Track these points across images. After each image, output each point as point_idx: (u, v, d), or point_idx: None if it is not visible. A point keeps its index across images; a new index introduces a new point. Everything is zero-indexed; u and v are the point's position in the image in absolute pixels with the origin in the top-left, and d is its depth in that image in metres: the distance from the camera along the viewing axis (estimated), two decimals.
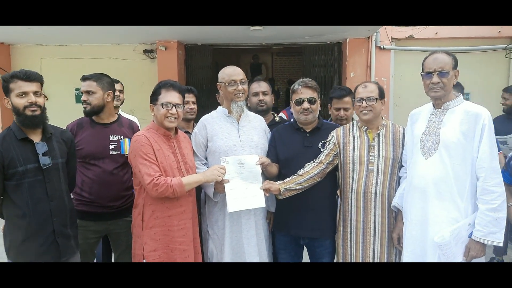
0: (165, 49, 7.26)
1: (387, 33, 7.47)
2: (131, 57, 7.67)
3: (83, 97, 3.08)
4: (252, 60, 12.63)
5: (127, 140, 3.12)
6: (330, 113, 3.66)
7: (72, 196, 2.93)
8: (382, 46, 7.50)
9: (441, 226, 2.43)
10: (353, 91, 2.96)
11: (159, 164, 2.61)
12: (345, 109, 3.48)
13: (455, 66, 2.50)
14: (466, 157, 2.40)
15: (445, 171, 2.44)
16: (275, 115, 3.66)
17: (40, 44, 7.77)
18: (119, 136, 3.13)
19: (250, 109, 3.53)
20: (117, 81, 4.18)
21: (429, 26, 7.32)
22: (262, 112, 3.48)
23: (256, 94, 3.53)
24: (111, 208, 3.07)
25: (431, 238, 2.44)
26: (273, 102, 3.63)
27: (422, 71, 2.57)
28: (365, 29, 6.80)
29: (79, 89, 3.19)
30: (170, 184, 2.53)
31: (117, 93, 4.08)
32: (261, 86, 3.55)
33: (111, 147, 3.08)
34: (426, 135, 2.55)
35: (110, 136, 3.10)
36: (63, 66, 7.62)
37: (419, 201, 2.53)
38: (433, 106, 2.61)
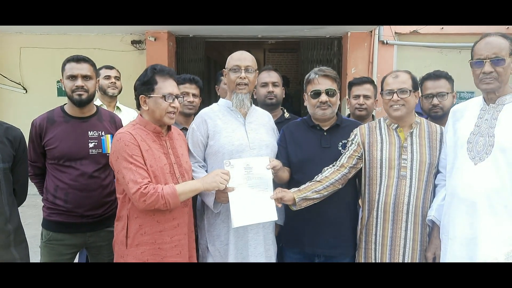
0: (155, 40, 6.88)
1: (390, 27, 7.14)
2: (118, 48, 7.31)
3: (79, 82, 2.56)
4: None
5: (109, 136, 2.64)
6: (348, 107, 3.22)
7: (42, 205, 2.42)
8: (385, 41, 7.16)
9: (495, 247, 2.00)
10: (381, 82, 2.51)
11: (147, 168, 2.14)
12: (366, 97, 3.10)
13: None
14: None
15: (500, 180, 2.00)
16: (285, 110, 3.22)
17: (19, 33, 7.32)
18: (100, 132, 2.65)
19: (257, 101, 3.07)
20: (112, 67, 3.78)
21: None
22: (270, 106, 3.05)
23: (265, 84, 3.09)
24: (91, 218, 2.59)
25: (482, 261, 2.00)
26: (284, 95, 3.18)
27: (472, 59, 2.13)
28: None
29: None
30: (161, 194, 2.06)
31: (112, 80, 3.68)
32: (271, 76, 3.11)
33: (91, 145, 2.59)
34: (476, 136, 2.11)
35: (89, 132, 2.61)
36: (44, 57, 7.21)
37: (466, 216, 2.09)
38: (484, 100, 2.16)
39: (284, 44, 9.56)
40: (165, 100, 2.20)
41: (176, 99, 2.24)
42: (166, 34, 6.89)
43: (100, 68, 3.82)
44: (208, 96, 7.28)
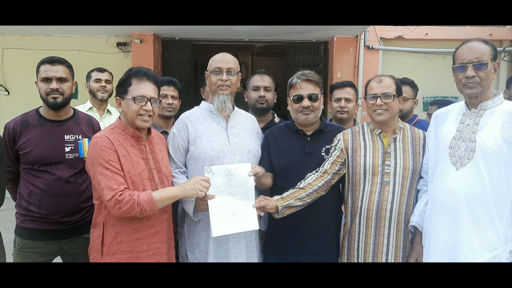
0: (140, 42, 6.78)
1: (376, 32, 7.17)
2: (103, 50, 7.19)
3: (54, 85, 2.47)
4: None
5: (86, 140, 2.55)
6: (329, 110, 3.20)
7: (16, 211, 2.33)
8: (370, 46, 7.17)
9: (476, 253, 1.98)
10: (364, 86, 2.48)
11: (125, 174, 2.07)
12: (347, 100, 3.09)
13: (494, 57, 2.05)
14: (509, 169, 1.95)
15: (481, 185, 1.98)
16: (275, 115, 3.17)
17: (1, 34, 7.18)
18: (77, 136, 2.56)
19: (247, 105, 3.04)
20: (103, 70, 3.72)
21: (419, 27, 7.04)
22: (261, 111, 3.02)
23: (257, 88, 3.05)
24: (66, 224, 2.50)
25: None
26: (275, 100, 3.14)
27: (454, 63, 2.11)
28: (354, 28, 6.51)
29: None
30: (137, 201, 1.99)
31: (102, 83, 3.63)
32: (264, 80, 3.07)
33: (67, 149, 2.50)
34: (457, 141, 2.09)
35: (65, 136, 2.52)
36: (27, 58, 6.97)
37: (448, 222, 2.07)
38: (466, 105, 2.15)
39: (272, 48, 9.54)
40: (135, 102, 2.13)
41: (149, 102, 2.16)
42: (152, 36, 6.79)
43: (92, 71, 3.73)
44: (196, 100, 7.19)
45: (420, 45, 7.25)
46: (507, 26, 6.94)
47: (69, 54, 6.84)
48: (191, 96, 7.62)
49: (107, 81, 3.69)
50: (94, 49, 7.09)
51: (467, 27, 6.90)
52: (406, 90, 3.27)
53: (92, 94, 3.67)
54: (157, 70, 6.97)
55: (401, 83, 2.93)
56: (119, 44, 7.10)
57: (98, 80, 3.66)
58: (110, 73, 3.78)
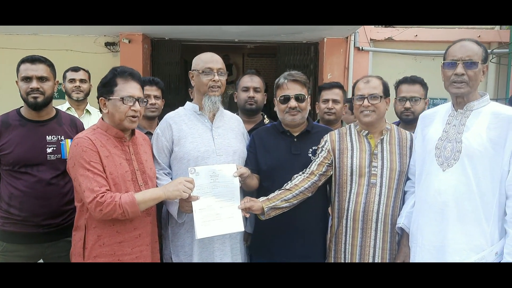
0: (129, 42, 6.69)
1: (366, 33, 7.18)
2: (91, 50, 7.06)
3: (34, 84, 2.41)
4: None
5: (69, 141, 2.49)
6: (317, 111, 3.17)
7: None
8: (360, 47, 7.18)
9: (463, 255, 1.97)
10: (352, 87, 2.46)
11: (107, 175, 2.03)
12: (335, 101, 3.07)
13: (485, 59, 2.03)
14: (494, 171, 1.94)
15: (468, 186, 1.97)
16: (265, 116, 3.14)
17: None
18: (59, 137, 2.50)
19: (236, 106, 3.02)
20: (78, 69, 3.64)
21: (409, 28, 7.06)
22: (250, 112, 3.00)
23: (247, 89, 3.02)
24: (48, 227, 2.45)
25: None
26: (265, 101, 3.11)
27: (444, 60, 2.10)
28: (344, 29, 6.48)
29: None
30: (118, 203, 1.95)
31: (76, 83, 3.55)
32: (254, 80, 3.04)
33: (49, 150, 2.45)
34: (444, 141, 2.08)
35: (47, 136, 2.47)
36: (14, 58, 6.74)
37: (435, 223, 2.05)
38: (453, 106, 2.13)
39: (263, 48, 9.50)
40: (123, 103, 2.09)
41: (137, 102, 2.13)
42: (141, 36, 6.71)
43: (67, 70, 3.68)
44: (185, 100, 7.12)
45: (410, 47, 7.26)
46: (496, 28, 6.99)
47: (57, 54, 6.84)
48: (180, 97, 7.56)
49: (82, 81, 3.60)
50: (82, 49, 6.98)
51: (456, 28, 6.94)
52: (417, 89, 2.93)
53: (68, 94, 3.60)
54: (146, 71, 6.90)
55: (411, 81, 2.93)
56: (107, 44, 7.00)
57: (72, 80, 3.58)
58: (87, 71, 3.69)
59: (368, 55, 7.29)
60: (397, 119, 3.13)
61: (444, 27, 6.93)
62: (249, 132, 2.74)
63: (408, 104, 2.86)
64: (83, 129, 2.62)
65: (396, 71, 6.88)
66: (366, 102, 2.27)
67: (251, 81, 3.04)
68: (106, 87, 2.13)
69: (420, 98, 2.90)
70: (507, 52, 6.42)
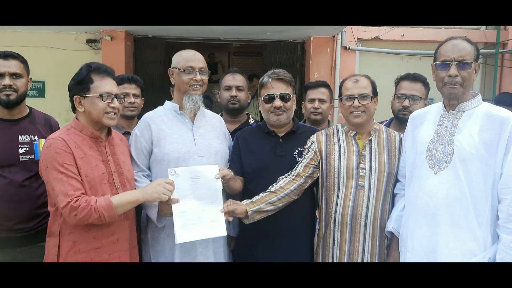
0: (111, 39, 6.52)
1: (352, 33, 7.14)
2: (72, 47, 6.88)
3: (7, 81, 2.29)
4: (207, 59, 11.98)
5: (43, 141, 2.37)
6: (303, 111, 3.09)
7: None
8: (347, 46, 7.14)
9: (454, 260, 1.90)
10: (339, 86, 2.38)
11: (82, 178, 1.92)
12: (321, 101, 2.99)
13: (477, 57, 1.97)
14: (487, 174, 1.89)
15: (460, 190, 1.90)
16: (250, 116, 3.05)
17: None
18: (32, 136, 2.39)
19: (219, 105, 2.93)
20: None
21: (395, 28, 7.05)
22: (233, 111, 2.90)
23: (229, 88, 2.92)
24: (20, 232, 2.33)
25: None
26: (249, 100, 3.02)
27: (435, 60, 2.03)
28: (331, 28, 6.44)
29: None
30: (94, 207, 1.85)
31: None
32: (236, 79, 2.95)
33: (21, 150, 2.33)
34: (435, 143, 2.01)
35: (19, 136, 2.35)
36: None
37: (425, 227, 1.99)
38: (444, 107, 2.07)
39: (249, 47, 9.42)
40: (102, 99, 1.99)
41: (115, 99, 2.04)
42: (124, 33, 6.55)
43: None
44: (169, 99, 7.00)
45: (397, 46, 7.25)
46: (481, 28, 7.01)
47: (37, 51, 6.67)
48: (164, 96, 7.42)
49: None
50: (62, 46, 6.80)
51: (442, 28, 6.94)
52: (418, 88, 2.78)
53: None
54: (129, 69, 6.74)
55: (413, 78, 2.80)
56: (88, 41, 6.83)
57: None
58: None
59: (355, 54, 7.26)
60: (388, 117, 3.05)
61: (431, 27, 6.93)
62: (234, 132, 2.65)
63: (407, 102, 2.75)
64: (58, 128, 2.49)
65: (383, 71, 6.86)
66: (356, 102, 2.19)
67: (233, 79, 2.96)
68: (81, 85, 2.03)
69: (421, 98, 2.77)
70: (493, 53, 6.43)
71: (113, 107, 2.03)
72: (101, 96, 2.00)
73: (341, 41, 7.11)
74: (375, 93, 2.26)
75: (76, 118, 2.07)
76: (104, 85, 2.02)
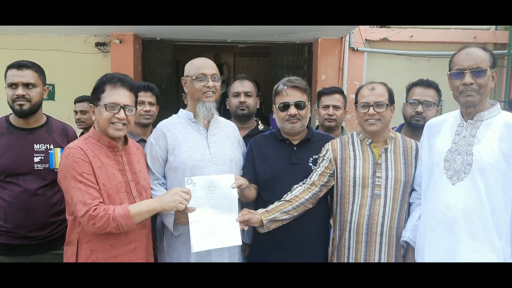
0: (120, 42, 6.55)
1: (361, 34, 7.11)
2: (81, 50, 6.90)
3: (20, 91, 2.30)
4: (213, 60, 11.94)
5: (58, 150, 2.39)
6: (316, 117, 3.08)
7: None
8: (355, 48, 7.11)
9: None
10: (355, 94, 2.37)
11: (100, 187, 1.93)
12: (335, 107, 2.97)
13: (493, 64, 1.96)
14: (507, 185, 1.86)
15: (479, 201, 1.88)
16: (259, 122, 3.04)
17: None
18: (48, 145, 2.40)
19: (228, 112, 2.92)
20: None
21: (404, 29, 7.02)
22: (243, 117, 2.89)
23: (237, 94, 2.92)
24: (34, 239, 2.35)
25: None
26: (258, 106, 3.02)
27: (450, 70, 2.02)
28: (339, 29, 6.41)
29: None
30: (112, 216, 1.86)
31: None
32: (244, 85, 2.95)
33: (36, 159, 2.34)
34: (453, 153, 1.99)
35: (35, 145, 2.36)
36: (3, 58, 6.49)
37: (444, 239, 1.97)
38: (462, 115, 2.05)
39: (254, 48, 9.40)
40: (106, 110, 2.01)
41: (122, 110, 2.03)
42: (132, 36, 6.58)
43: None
44: (177, 102, 7.03)
45: (405, 47, 7.20)
46: (491, 29, 6.96)
47: (46, 55, 6.70)
48: (172, 98, 7.44)
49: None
50: (72, 49, 6.83)
51: (452, 29, 6.90)
52: (431, 94, 2.75)
53: None
54: (137, 71, 6.78)
55: (426, 84, 2.78)
56: (98, 44, 6.85)
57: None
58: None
59: (363, 56, 7.22)
60: (397, 121, 2.99)
61: (439, 27, 6.87)
62: (244, 138, 2.64)
63: (420, 108, 2.72)
64: (75, 138, 2.50)
65: (392, 72, 6.85)
66: (371, 110, 2.18)
67: (241, 85, 2.96)
68: (95, 94, 2.07)
69: (434, 104, 2.74)
70: (504, 54, 6.36)
71: (118, 118, 2.03)
72: (105, 106, 2.01)
73: (349, 42, 7.08)
74: (391, 101, 2.25)
75: (94, 128, 2.09)
76: (112, 95, 2.03)
